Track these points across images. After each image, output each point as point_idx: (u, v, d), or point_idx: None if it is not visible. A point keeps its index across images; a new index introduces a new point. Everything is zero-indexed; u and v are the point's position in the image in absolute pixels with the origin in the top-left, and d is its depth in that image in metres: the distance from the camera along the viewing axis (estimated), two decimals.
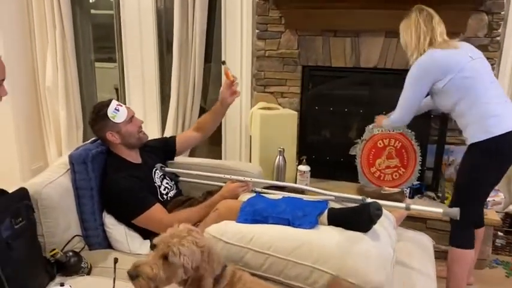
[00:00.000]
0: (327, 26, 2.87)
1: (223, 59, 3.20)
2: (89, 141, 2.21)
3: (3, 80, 1.54)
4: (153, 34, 3.31)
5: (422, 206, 1.71)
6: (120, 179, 1.95)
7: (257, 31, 3.01)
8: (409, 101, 2.24)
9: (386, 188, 2.88)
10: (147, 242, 1.98)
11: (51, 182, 1.88)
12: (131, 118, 2.08)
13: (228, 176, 2.11)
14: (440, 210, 1.63)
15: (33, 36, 3.44)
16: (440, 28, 2.19)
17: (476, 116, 2.06)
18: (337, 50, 2.90)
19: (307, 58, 2.96)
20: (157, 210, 1.92)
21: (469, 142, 2.11)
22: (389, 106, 2.93)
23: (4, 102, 1.60)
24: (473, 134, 2.07)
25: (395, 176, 2.85)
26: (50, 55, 3.43)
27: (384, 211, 1.60)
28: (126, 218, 1.96)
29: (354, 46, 2.87)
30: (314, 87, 3.07)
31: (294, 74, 3.02)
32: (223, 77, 2.25)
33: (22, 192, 1.68)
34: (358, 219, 1.48)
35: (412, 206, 1.68)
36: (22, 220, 1.58)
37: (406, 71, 2.72)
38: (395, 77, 2.84)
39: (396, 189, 2.86)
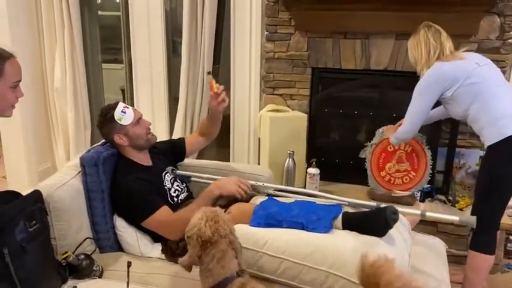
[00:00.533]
0: (337, 27, 2.86)
1: (231, 61, 3.21)
2: (100, 143, 2.22)
3: (19, 81, 1.56)
4: (161, 35, 3.32)
5: (438, 214, 1.70)
6: (129, 182, 1.95)
7: (266, 33, 3.00)
8: (418, 111, 2.30)
9: (397, 191, 2.87)
10: (158, 245, 1.98)
11: (63, 184, 1.89)
12: (138, 120, 2.08)
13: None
14: (457, 218, 1.63)
15: (42, 37, 3.45)
16: (449, 43, 2.26)
17: (488, 119, 2.10)
18: (347, 52, 2.90)
19: (317, 60, 2.96)
20: (163, 213, 1.91)
21: (485, 145, 2.13)
22: (399, 109, 2.93)
23: None
24: (488, 137, 2.10)
25: (406, 179, 2.85)
26: (59, 56, 3.44)
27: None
28: (135, 221, 1.97)
29: (364, 48, 2.87)
30: (324, 90, 3.07)
31: (304, 76, 3.02)
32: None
33: (36, 195, 1.69)
34: (373, 223, 1.48)
35: (428, 214, 1.68)
36: (36, 223, 1.58)
37: (416, 73, 2.74)
38: (406, 80, 2.84)
39: (407, 193, 2.86)
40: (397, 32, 2.79)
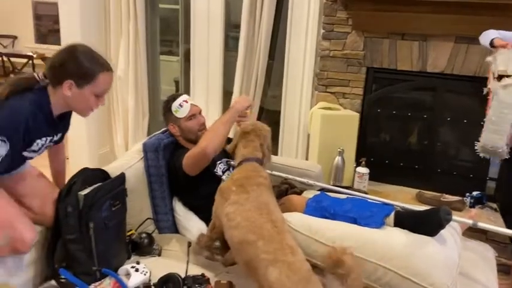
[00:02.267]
0: (394, 28, 2.89)
1: (286, 57, 3.27)
2: (160, 131, 2.38)
3: (106, 92, 1.67)
4: (220, 29, 3.44)
5: (491, 226, 1.71)
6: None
7: (323, 31, 3.06)
8: None
9: (447, 196, 2.88)
10: None
11: (130, 167, 2.07)
12: (192, 116, 2.20)
13: (290, 176, 2.22)
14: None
15: (109, 28, 3.66)
16: None
17: None
18: (404, 53, 2.92)
19: (372, 60, 3.00)
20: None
21: None
22: (455, 113, 2.94)
23: None
24: None
25: None
26: (123, 47, 3.65)
27: None
28: (182, 176, 2.05)
29: (422, 50, 2.88)
30: (377, 90, 3.10)
31: (358, 75, 3.06)
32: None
33: (122, 177, 1.87)
34: (426, 222, 1.53)
35: (480, 224, 1.70)
36: (119, 204, 1.76)
37: (475, 77, 2.73)
38: (463, 84, 2.84)
39: (456, 198, 2.86)
40: (457, 35, 2.78)
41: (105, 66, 1.63)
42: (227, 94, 3.58)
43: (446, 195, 2.88)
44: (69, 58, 1.57)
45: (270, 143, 1.93)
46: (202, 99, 3.58)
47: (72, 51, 1.59)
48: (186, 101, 2.21)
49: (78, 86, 1.57)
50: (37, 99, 1.55)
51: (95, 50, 1.65)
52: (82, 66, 1.57)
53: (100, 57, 1.64)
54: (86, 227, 1.59)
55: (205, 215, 2.09)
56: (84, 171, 1.77)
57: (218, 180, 2.15)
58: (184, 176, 2.05)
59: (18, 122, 1.48)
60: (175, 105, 2.20)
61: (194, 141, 2.21)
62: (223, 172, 2.24)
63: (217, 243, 1.86)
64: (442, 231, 1.54)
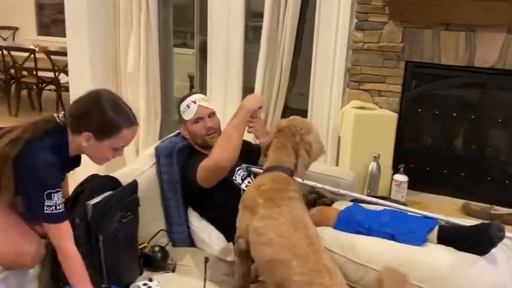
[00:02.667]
0: (438, 18, 2.85)
1: (313, 50, 3.27)
2: (174, 133, 2.41)
3: (124, 146, 1.71)
4: (241, 18, 3.44)
5: None
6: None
7: (356, 21, 3.05)
8: None
9: (497, 208, 2.83)
10: (230, 245, 2.12)
11: (141, 174, 2.11)
12: (199, 118, 2.20)
13: (320, 185, 2.21)
14: None
15: (118, 19, 3.72)
16: None
17: None
18: (448, 46, 2.88)
19: (412, 53, 2.97)
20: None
21: None
22: (507, 113, 2.90)
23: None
24: None
25: None
26: (133, 38, 3.70)
27: None
28: (196, 188, 2.08)
29: (469, 42, 2.84)
30: (418, 87, 3.07)
31: (395, 70, 3.03)
32: None
33: (134, 185, 1.89)
34: (475, 240, 1.51)
35: None
36: (130, 215, 1.80)
37: None
38: None
39: (508, 210, 2.81)
40: (509, 26, 2.74)
41: (131, 121, 1.65)
42: (247, 91, 3.59)
43: (497, 207, 2.83)
44: (93, 108, 1.58)
45: (312, 143, 1.82)
46: (220, 96, 3.59)
47: (97, 99, 1.61)
48: (194, 102, 2.22)
49: (96, 139, 1.59)
50: (54, 146, 1.57)
51: (121, 97, 1.67)
52: (106, 120, 1.58)
53: (127, 107, 1.66)
54: (95, 240, 1.62)
55: (223, 226, 2.12)
56: (93, 178, 1.81)
57: (237, 188, 2.18)
58: (198, 188, 2.08)
59: (51, 174, 1.51)
60: (183, 105, 2.23)
61: (203, 146, 2.24)
62: (243, 180, 2.25)
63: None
64: (493, 249, 1.52)
